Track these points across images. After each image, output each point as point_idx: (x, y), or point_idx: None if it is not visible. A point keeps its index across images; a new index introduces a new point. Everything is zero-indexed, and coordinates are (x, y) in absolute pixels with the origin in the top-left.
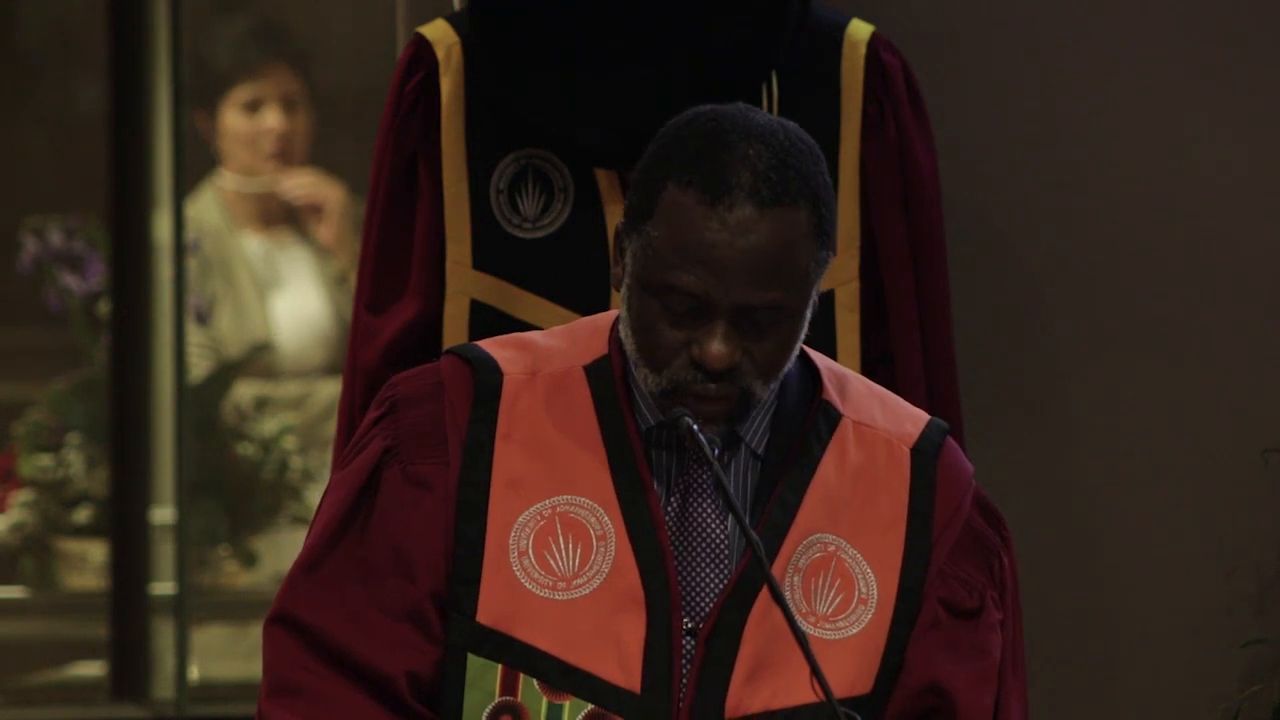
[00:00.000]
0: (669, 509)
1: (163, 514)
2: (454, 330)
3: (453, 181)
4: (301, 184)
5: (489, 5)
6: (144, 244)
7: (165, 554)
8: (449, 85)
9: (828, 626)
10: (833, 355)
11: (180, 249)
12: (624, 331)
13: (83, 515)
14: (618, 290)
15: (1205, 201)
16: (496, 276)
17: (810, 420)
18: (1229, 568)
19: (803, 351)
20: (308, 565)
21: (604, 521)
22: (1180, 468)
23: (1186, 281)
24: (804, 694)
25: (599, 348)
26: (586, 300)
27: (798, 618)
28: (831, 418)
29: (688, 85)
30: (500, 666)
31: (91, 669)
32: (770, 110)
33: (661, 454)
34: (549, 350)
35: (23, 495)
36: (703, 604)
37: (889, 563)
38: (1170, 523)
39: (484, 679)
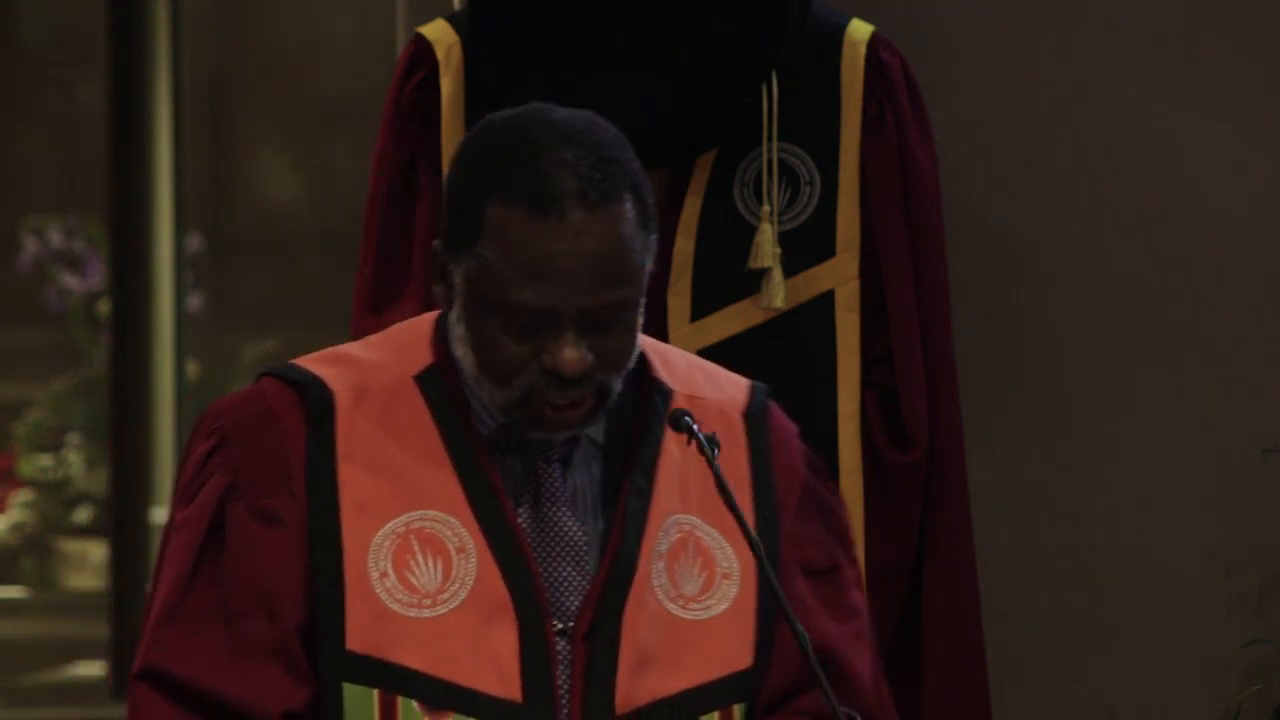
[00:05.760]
0: (522, 512)
1: (163, 514)
2: None
3: None
4: None
5: (489, 5)
6: (144, 244)
7: None
8: (449, 85)
9: (696, 607)
10: (832, 355)
11: (180, 249)
12: (461, 350)
13: (83, 515)
14: (443, 308)
15: (1205, 201)
16: None
17: (644, 401)
18: (1229, 568)
19: None
20: (165, 615)
21: (460, 533)
22: (1180, 468)
23: (1186, 281)
24: (688, 677)
25: (425, 356)
26: None
27: (669, 602)
28: (664, 395)
29: (688, 85)
30: (376, 692)
31: (91, 669)
32: (770, 110)
33: (506, 458)
34: (373, 364)
35: (23, 495)
36: (569, 603)
37: (742, 534)
38: (1170, 523)
39: (361, 706)
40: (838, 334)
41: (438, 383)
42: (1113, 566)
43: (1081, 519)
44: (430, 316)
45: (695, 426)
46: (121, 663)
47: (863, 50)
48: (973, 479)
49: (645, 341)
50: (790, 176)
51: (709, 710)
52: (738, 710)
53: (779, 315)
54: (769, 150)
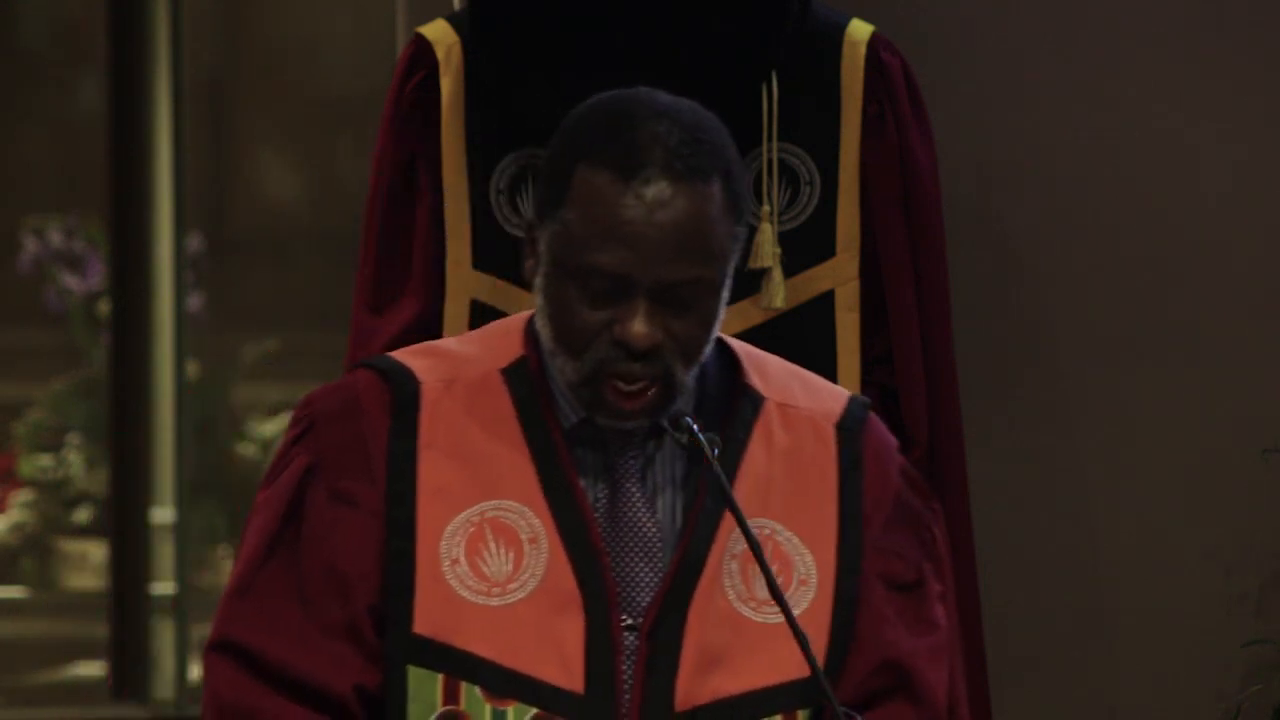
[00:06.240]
0: (597, 506)
1: (163, 514)
2: (454, 330)
3: (453, 182)
4: None
5: (489, 5)
6: (144, 244)
7: (165, 554)
8: (449, 85)
9: (770, 610)
10: (832, 355)
11: (180, 249)
12: (540, 322)
13: (83, 515)
14: (532, 284)
15: (1205, 201)
16: (496, 276)
17: (733, 406)
18: (1229, 568)
19: (720, 338)
20: (241, 589)
21: (533, 524)
22: (1180, 468)
23: (1187, 281)
24: (752, 679)
25: (514, 350)
26: None
27: (741, 604)
28: (754, 401)
29: (688, 85)
30: (441, 676)
31: (91, 669)
32: (770, 110)
33: (586, 451)
34: (464, 357)
35: (23, 495)
36: (639, 599)
37: (825, 542)
38: (1170, 523)
39: (425, 689)
40: (838, 334)
41: (523, 376)
42: (1113, 566)
43: (1081, 519)
44: (527, 313)
45: (695, 426)
46: (121, 663)
47: (863, 50)
48: (973, 479)
49: (742, 348)
50: (790, 176)
51: (771, 714)
52: (801, 716)
53: (779, 315)
54: (769, 150)
